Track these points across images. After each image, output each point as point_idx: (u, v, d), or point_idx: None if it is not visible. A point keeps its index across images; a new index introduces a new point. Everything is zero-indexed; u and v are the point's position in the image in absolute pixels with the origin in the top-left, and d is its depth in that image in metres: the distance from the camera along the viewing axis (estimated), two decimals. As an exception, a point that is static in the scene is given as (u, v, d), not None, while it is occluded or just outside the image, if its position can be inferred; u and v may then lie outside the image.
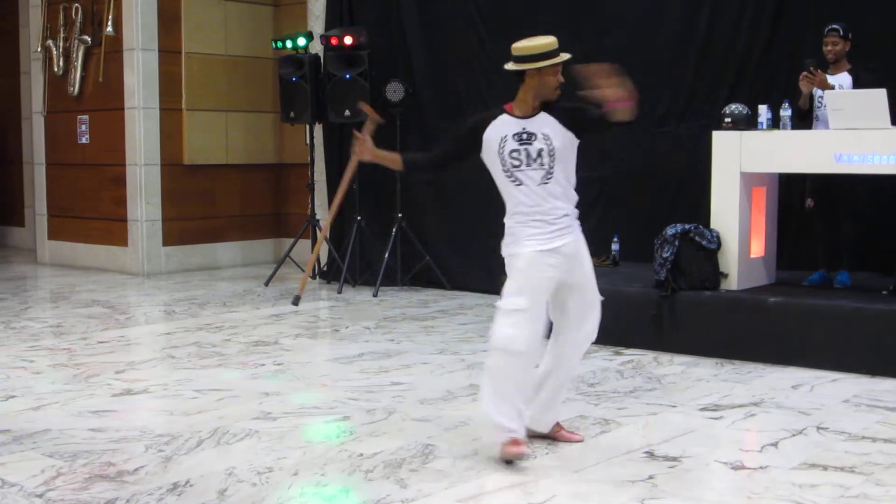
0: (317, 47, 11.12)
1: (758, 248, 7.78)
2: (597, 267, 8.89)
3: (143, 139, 11.86)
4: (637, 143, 9.17)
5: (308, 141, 11.42)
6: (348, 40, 10.53)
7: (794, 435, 5.40)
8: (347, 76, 10.58)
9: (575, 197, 5.06)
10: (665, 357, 7.35)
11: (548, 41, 5.00)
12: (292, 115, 11.10)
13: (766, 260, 7.94)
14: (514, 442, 4.82)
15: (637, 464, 4.92)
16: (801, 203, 8.13)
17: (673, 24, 9.20)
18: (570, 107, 5.02)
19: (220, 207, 12.66)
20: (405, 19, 10.82)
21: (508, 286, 4.98)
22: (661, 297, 7.57)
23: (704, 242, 7.55)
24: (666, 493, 4.49)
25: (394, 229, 10.50)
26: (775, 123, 7.47)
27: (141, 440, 5.26)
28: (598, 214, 9.59)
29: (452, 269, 10.53)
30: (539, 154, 4.92)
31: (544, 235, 4.94)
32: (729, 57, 8.87)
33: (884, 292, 7.32)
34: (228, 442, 5.27)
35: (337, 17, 11.23)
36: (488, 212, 10.18)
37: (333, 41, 10.63)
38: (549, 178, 4.92)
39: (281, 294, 10.43)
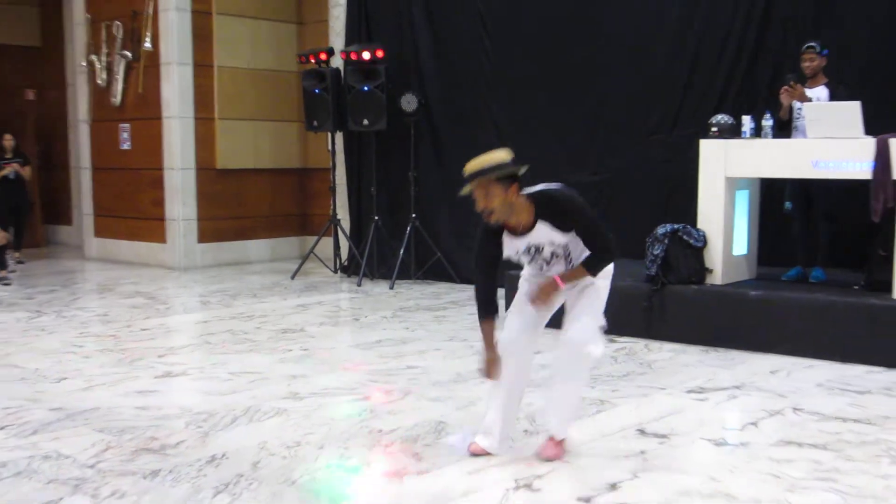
0: (337, 61, 11.17)
1: (740, 247, 7.82)
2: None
3: (179, 145, 11.95)
4: (632, 150, 9.23)
5: (330, 147, 11.47)
6: (366, 55, 10.59)
7: (772, 415, 5.44)
8: (365, 88, 10.62)
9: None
10: (655, 344, 7.40)
11: (480, 159, 4.42)
12: (315, 123, 11.13)
13: (748, 257, 7.98)
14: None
15: (629, 440, 4.97)
16: (780, 205, 8.15)
17: (665, 43, 9.22)
18: (560, 212, 4.46)
19: (250, 208, 12.73)
20: (418, 36, 10.85)
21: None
22: (652, 291, 7.61)
23: (692, 241, 7.59)
24: (656, 467, 4.54)
25: (408, 228, 10.55)
26: (758, 133, 7.48)
27: (181, 417, 5.34)
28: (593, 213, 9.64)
29: (461, 264, 10.55)
30: (553, 255, 4.56)
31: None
32: (716, 72, 8.89)
33: (855, 287, 7.34)
34: (260, 419, 5.33)
35: (356, 34, 11.26)
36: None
37: (353, 56, 10.68)
38: (569, 264, 4.57)
39: (306, 287, 10.49)
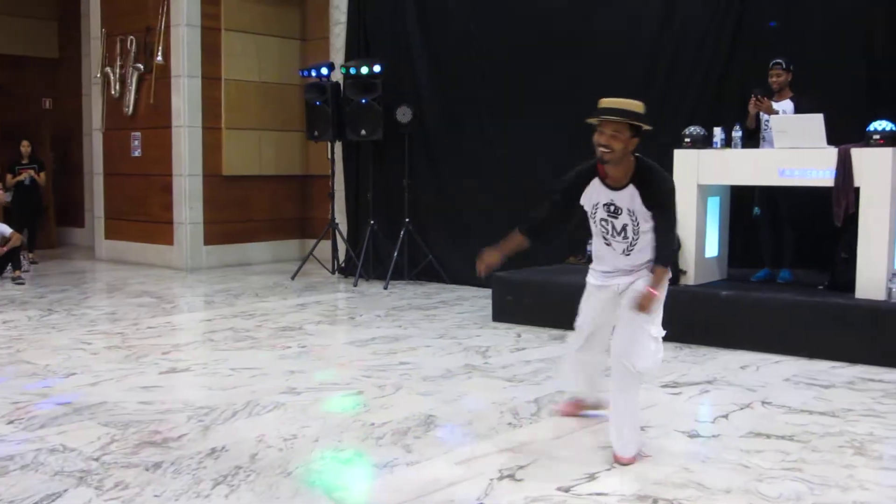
0: (337, 76, 11.12)
1: (712, 249, 7.77)
2: (573, 265, 9.05)
3: (187, 153, 11.88)
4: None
5: (329, 156, 11.41)
6: (365, 70, 10.54)
7: (742, 408, 5.41)
8: (364, 101, 10.58)
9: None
10: (633, 342, 7.34)
11: (612, 101, 4.30)
12: (316, 133, 11.09)
13: (720, 259, 7.93)
14: None
15: (607, 433, 4.89)
16: (749, 211, 8.12)
17: (641, 59, 9.20)
18: (652, 196, 4.28)
19: (254, 212, 12.66)
20: (414, 52, 10.80)
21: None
22: (629, 291, 7.56)
23: (667, 244, 7.55)
24: (632, 458, 4.51)
25: (402, 232, 10.49)
26: (728, 143, 7.46)
27: (184, 411, 5.26)
28: (577, 219, 9.58)
29: (452, 266, 10.52)
30: (623, 229, 4.37)
31: (601, 267, 4.60)
32: (689, 88, 8.87)
33: (820, 287, 7.32)
34: (259, 413, 5.27)
35: (355, 50, 11.23)
36: (482, 217, 10.29)
37: (352, 71, 10.63)
38: (630, 250, 4.41)
39: (305, 287, 10.42)
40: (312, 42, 12.87)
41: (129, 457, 4.46)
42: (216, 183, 12.17)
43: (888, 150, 6.76)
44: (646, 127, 4.25)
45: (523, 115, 10.00)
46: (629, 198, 4.30)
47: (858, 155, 6.82)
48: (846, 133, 7.12)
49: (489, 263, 4.72)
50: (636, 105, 4.29)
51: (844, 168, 6.84)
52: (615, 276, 4.55)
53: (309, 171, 13.10)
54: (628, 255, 4.43)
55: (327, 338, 7.63)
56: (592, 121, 4.28)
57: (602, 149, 4.22)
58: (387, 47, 11.01)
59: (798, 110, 7.49)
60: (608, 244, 4.48)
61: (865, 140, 6.92)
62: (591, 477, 4.23)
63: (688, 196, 7.40)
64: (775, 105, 7.57)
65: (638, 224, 4.35)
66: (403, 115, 10.43)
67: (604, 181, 4.36)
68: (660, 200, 4.29)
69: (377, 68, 10.53)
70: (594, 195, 4.39)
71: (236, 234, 12.46)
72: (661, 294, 4.41)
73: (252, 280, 11.05)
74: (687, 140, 7.57)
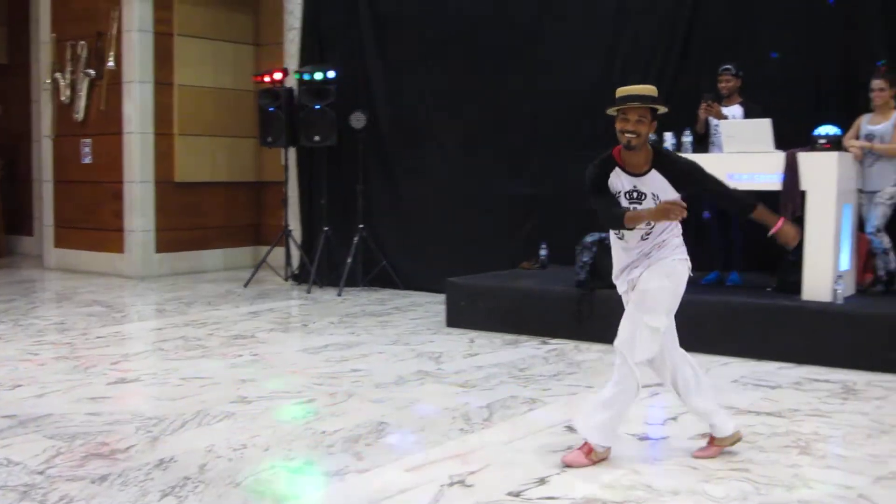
0: (291, 81, 11.07)
1: (663, 253, 7.84)
2: (527, 270, 9.10)
3: (139, 160, 11.75)
4: (564, 165, 9.21)
5: (283, 162, 11.36)
6: (319, 76, 10.52)
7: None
8: (317, 107, 10.54)
9: (672, 232, 4.48)
10: (584, 345, 7.39)
11: (630, 88, 4.38)
12: (270, 139, 11.04)
13: (670, 263, 8.00)
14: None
15: (558, 436, 4.95)
16: (699, 214, 8.20)
17: (594, 67, 9.28)
18: (683, 170, 4.41)
19: (207, 219, 12.55)
20: (368, 57, 10.79)
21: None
22: (581, 295, 7.61)
23: (618, 248, 7.61)
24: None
25: (356, 238, 10.46)
26: (678, 148, 7.53)
27: (132, 422, 5.19)
28: (529, 225, 9.66)
29: (405, 272, 10.52)
30: None
31: (620, 275, 4.63)
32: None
33: (767, 289, 7.42)
34: (209, 423, 5.22)
35: (309, 56, 11.18)
36: (436, 223, 10.32)
37: (306, 77, 10.60)
38: (648, 234, 4.43)
39: (258, 294, 10.36)
40: (266, 47, 12.79)
41: (74, 470, 4.39)
42: (168, 190, 12.05)
43: (833, 155, 6.88)
44: (662, 109, 4.37)
45: (478, 120, 10.04)
46: (653, 182, 4.36)
47: (805, 159, 6.94)
48: (793, 137, 7.25)
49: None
50: (652, 90, 4.39)
51: (791, 172, 6.95)
52: (632, 270, 4.55)
53: (263, 178, 13.02)
54: (646, 238, 4.45)
55: (279, 346, 7.57)
56: (612, 111, 4.37)
57: (629, 135, 4.28)
58: (341, 53, 10.98)
59: (747, 115, 7.60)
60: (621, 237, 4.50)
61: (811, 144, 7.05)
62: (542, 481, 4.25)
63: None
64: (725, 110, 7.68)
65: None
66: (358, 121, 10.41)
67: (624, 169, 4.41)
68: (691, 170, 4.42)
69: (331, 74, 10.50)
70: (617, 184, 4.43)
71: (189, 241, 12.35)
72: (679, 282, 4.47)
73: (204, 288, 10.95)
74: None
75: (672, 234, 4.49)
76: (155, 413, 5.39)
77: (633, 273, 4.55)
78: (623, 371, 4.51)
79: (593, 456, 4.48)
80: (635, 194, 4.39)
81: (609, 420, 4.49)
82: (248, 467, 4.45)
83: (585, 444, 4.52)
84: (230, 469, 4.42)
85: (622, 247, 4.56)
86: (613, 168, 4.42)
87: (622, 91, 4.38)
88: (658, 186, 4.36)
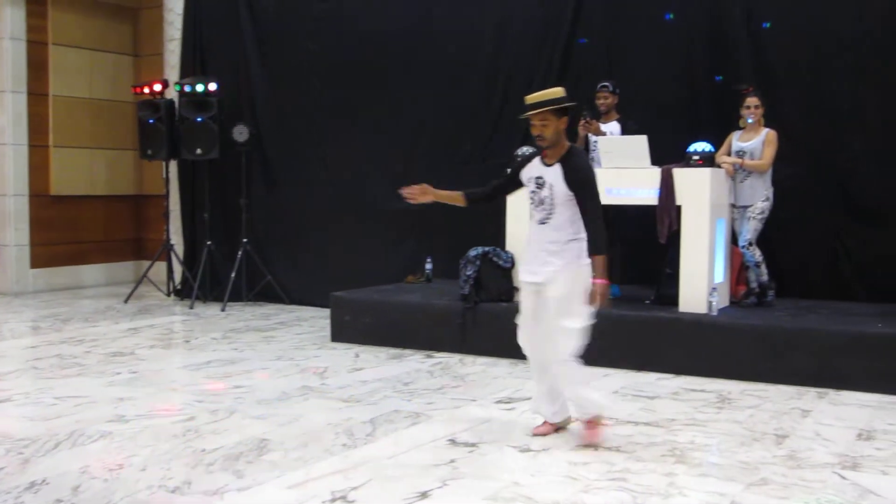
0: (172, 93, 10.87)
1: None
2: (412, 284, 9.12)
3: (12, 172, 11.35)
4: (446, 178, 9.24)
5: (164, 175, 11.12)
6: (200, 88, 10.36)
7: (572, 422, 5.52)
8: (199, 119, 10.39)
9: (574, 235, 4.93)
10: (469, 359, 7.45)
11: (533, 95, 4.98)
12: (150, 152, 10.82)
13: (553, 276, 8.12)
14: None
15: (441, 450, 4.96)
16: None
17: (478, 82, 9.39)
18: (577, 178, 4.87)
19: (85, 233, 12.20)
20: (251, 69, 10.68)
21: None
22: (465, 308, 7.66)
23: (501, 262, 7.71)
24: (465, 475, 4.54)
25: (239, 252, 10.33)
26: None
27: (2, 444, 4.99)
28: (414, 239, 9.69)
29: (291, 287, 10.43)
30: (544, 200, 4.95)
31: (526, 262, 5.10)
32: (522, 109, 9.06)
33: (646, 301, 7.60)
34: (84, 443, 5.06)
35: (190, 67, 11.00)
36: (321, 237, 10.26)
37: (187, 88, 10.43)
38: (547, 220, 4.95)
39: (139, 310, 10.11)
40: (146, 58, 12.54)
41: (-62, 495, 4.21)
42: (44, 203, 11.67)
43: (707, 171, 7.10)
44: (568, 104, 4.94)
45: (360, 133, 10.03)
46: (554, 174, 4.91)
47: (680, 175, 7.13)
48: (669, 154, 7.45)
49: (418, 194, 5.33)
50: (555, 92, 4.99)
51: (667, 187, 7.14)
52: (532, 263, 5.04)
53: (143, 191, 12.74)
54: (544, 223, 4.96)
55: (160, 362, 7.41)
56: (523, 117, 4.97)
57: (538, 139, 4.95)
58: (223, 65, 10.85)
59: (624, 132, 7.78)
60: (531, 217, 5.05)
61: (686, 161, 7.26)
62: (424, 495, 4.25)
63: (520, 214, 7.54)
64: (603, 127, 7.84)
65: (554, 198, 4.90)
66: (240, 133, 10.29)
67: (542, 160, 5.02)
68: (579, 178, 4.87)
69: (213, 86, 10.36)
70: (530, 170, 5.07)
71: (66, 256, 11.98)
72: (586, 283, 4.91)
73: (83, 304, 10.63)
74: (518, 160, 7.69)
75: (575, 233, 4.92)
76: (27, 434, 5.20)
77: (538, 270, 4.99)
78: (566, 371, 5.01)
79: (599, 422, 5.11)
80: (540, 181, 4.97)
81: (592, 394, 5.11)
82: (123, 488, 4.33)
83: (588, 421, 5.08)
84: (105, 490, 4.29)
85: (530, 228, 5.09)
86: (535, 158, 5.07)
87: (527, 99, 4.97)
88: (556, 180, 4.90)
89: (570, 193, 4.86)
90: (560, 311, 4.90)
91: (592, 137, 7.81)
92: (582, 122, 7.79)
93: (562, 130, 4.96)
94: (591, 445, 5.01)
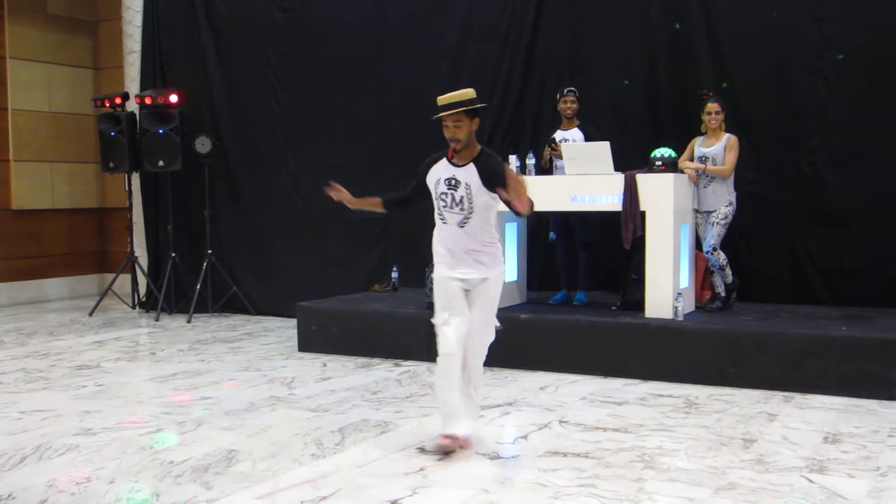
0: (132, 105, 10.79)
1: (511, 274, 7.98)
2: (378, 293, 9.11)
3: (-28, 187, 11.25)
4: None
5: (126, 188, 11.03)
6: (160, 100, 10.30)
7: (540, 428, 5.56)
8: (161, 131, 10.33)
9: (493, 238, 4.99)
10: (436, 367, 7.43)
11: (444, 96, 4.91)
12: (112, 165, 10.73)
13: (519, 283, 8.17)
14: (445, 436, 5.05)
15: (411, 458, 4.95)
16: (546, 236, 8.40)
17: (439, 91, 9.32)
18: (495, 171, 4.81)
19: (48, 247, 12.09)
20: (212, 81, 10.63)
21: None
22: (432, 317, 7.65)
23: (468, 270, 7.70)
24: (434, 483, 4.54)
25: (204, 264, 10.27)
26: (523, 170, 7.67)
27: (-34, 460, 4.95)
28: (380, 248, 9.69)
29: (257, 297, 10.38)
30: (461, 200, 4.88)
31: (451, 264, 5.00)
32: (484, 117, 9.10)
33: (612, 307, 7.64)
34: (50, 457, 5.01)
35: (150, 80, 10.93)
36: (286, 247, 10.22)
37: (148, 101, 10.37)
38: (465, 222, 4.90)
39: (104, 323, 10.01)
40: (106, 71, 12.45)
41: None
42: (5, 217, 11.54)
43: (670, 176, 7.16)
44: (479, 105, 4.91)
45: (323, 143, 10.01)
46: (468, 173, 4.88)
47: (643, 180, 7.18)
48: (632, 160, 7.51)
49: (343, 197, 5.37)
50: (466, 93, 4.92)
51: (631, 193, 7.18)
52: (459, 265, 4.98)
53: (106, 204, 12.65)
54: (463, 226, 4.91)
55: (126, 375, 7.34)
56: (436, 118, 4.90)
57: (452, 141, 4.88)
58: (184, 76, 10.79)
59: (587, 138, 7.83)
60: (444, 221, 4.96)
61: (649, 166, 7.31)
62: None
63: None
64: (566, 133, 7.91)
65: (472, 197, 4.86)
66: (202, 145, 10.24)
67: (450, 161, 4.96)
68: (497, 171, 4.81)
69: (173, 98, 10.32)
70: (438, 172, 4.98)
71: (29, 270, 11.85)
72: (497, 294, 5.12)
73: (47, 318, 10.52)
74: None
75: (493, 238, 5.00)
76: (-10, 450, 5.14)
77: (461, 268, 4.98)
78: (481, 367, 5.27)
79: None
80: (452, 181, 4.91)
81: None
82: (91, 501, 4.29)
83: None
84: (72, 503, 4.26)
85: (444, 232, 4.99)
86: (441, 160, 5.00)
87: (440, 100, 4.90)
88: (471, 179, 4.86)
89: (489, 193, 4.82)
90: (489, 311, 5.08)
91: (558, 161, 7.85)
92: (548, 149, 7.86)
93: (473, 131, 4.91)
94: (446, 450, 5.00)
